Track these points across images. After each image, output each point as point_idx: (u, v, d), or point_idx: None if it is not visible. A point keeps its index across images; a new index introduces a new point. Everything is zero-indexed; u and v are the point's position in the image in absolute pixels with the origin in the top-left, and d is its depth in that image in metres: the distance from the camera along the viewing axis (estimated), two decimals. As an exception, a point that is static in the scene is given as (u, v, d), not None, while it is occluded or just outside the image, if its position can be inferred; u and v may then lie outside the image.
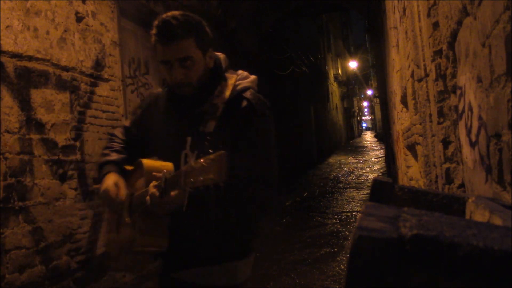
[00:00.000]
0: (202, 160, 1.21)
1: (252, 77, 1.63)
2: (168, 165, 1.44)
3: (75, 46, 4.19)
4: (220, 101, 1.53)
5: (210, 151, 1.23)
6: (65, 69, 4.03)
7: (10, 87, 3.42)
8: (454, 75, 1.64)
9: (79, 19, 4.28)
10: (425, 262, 0.44)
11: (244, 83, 1.58)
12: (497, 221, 0.61)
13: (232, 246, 1.53)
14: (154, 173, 1.40)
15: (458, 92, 1.53)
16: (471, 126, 1.30)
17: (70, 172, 3.97)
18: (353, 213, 7.98)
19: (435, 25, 1.93)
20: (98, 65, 4.54)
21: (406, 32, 3.21)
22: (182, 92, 1.54)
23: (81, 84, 4.23)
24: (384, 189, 0.84)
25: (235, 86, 1.57)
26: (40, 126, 3.67)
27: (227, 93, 1.55)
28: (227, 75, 1.61)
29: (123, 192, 1.53)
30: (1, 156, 3.28)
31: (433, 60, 2.01)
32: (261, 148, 1.50)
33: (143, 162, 1.51)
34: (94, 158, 4.33)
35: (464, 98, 1.39)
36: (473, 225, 0.49)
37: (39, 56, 3.72)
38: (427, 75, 2.31)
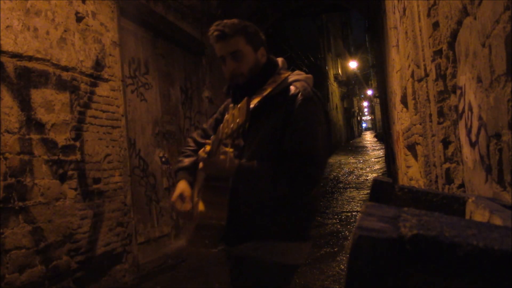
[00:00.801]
0: (232, 112, 1.41)
1: (309, 75, 1.79)
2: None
3: (75, 46, 4.19)
4: (270, 86, 1.69)
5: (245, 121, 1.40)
6: (65, 69, 4.03)
7: (10, 87, 3.42)
8: (454, 75, 1.64)
9: (79, 19, 4.28)
10: (425, 262, 0.44)
11: (296, 77, 1.73)
12: (497, 221, 0.61)
13: (283, 226, 1.63)
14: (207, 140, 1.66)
15: (458, 92, 1.53)
16: (471, 126, 1.30)
17: (70, 172, 3.97)
18: (353, 213, 7.98)
19: (435, 25, 1.93)
20: (98, 65, 4.54)
21: (406, 32, 3.21)
22: (236, 82, 1.74)
23: (81, 84, 4.23)
24: (384, 189, 0.84)
25: (287, 78, 1.72)
26: (40, 126, 3.67)
27: (278, 82, 1.70)
28: (282, 71, 1.77)
29: (187, 203, 1.74)
30: (1, 156, 3.28)
31: (433, 60, 2.01)
32: (308, 128, 1.61)
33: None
34: (94, 158, 4.33)
35: (464, 98, 1.39)
36: (473, 225, 0.49)
37: (39, 56, 3.72)
38: (427, 75, 2.31)
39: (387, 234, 0.45)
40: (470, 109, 1.29)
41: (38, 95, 3.68)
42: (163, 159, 6.06)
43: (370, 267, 0.44)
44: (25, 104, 3.54)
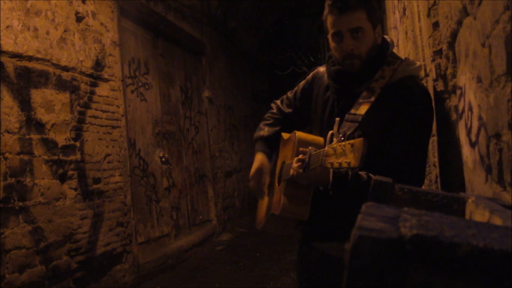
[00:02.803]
0: (342, 144, 1.27)
1: (417, 64, 1.59)
2: (319, 140, 1.55)
3: (75, 46, 4.19)
4: (378, 85, 1.51)
5: (357, 134, 1.31)
6: (65, 69, 4.03)
7: (10, 87, 3.42)
8: (454, 75, 1.64)
9: (79, 19, 4.28)
10: (425, 262, 0.44)
11: (406, 70, 1.54)
12: (497, 221, 0.61)
13: None
14: (301, 148, 1.48)
15: (458, 92, 1.53)
16: (471, 126, 1.30)
17: (70, 172, 3.97)
18: (353, 213, 7.97)
19: (435, 25, 1.93)
20: (98, 65, 4.54)
21: (406, 32, 3.21)
22: (350, 66, 1.53)
23: (81, 84, 4.23)
24: (384, 189, 0.84)
25: (396, 72, 1.52)
26: (40, 126, 3.67)
27: (387, 78, 1.51)
28: (391, 59, 1.57)
29: (265, 178, 1.68)
30: (1, 156, 3.28)
31: (433, 60, 2.01)
32: (416, 141, 1.46)
33: (296, 134, 1.62)
34: (94, 158, 4.33)
35: (464, 98, 1.39)
36: (473, 225, 0.49)
37: (39, 56, 3.72)
38: (427, 75, 2.31)
39: (387, 234, 0.45)
40: (470, 109, 1.29)
41: (38, 95, 3.68)
42: (163, 159, 6.06)
43: (370, 267, 0.44)
44: (25, 104, 3.54)
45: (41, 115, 3.70)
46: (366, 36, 1.49)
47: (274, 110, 1.88)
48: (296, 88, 1.84)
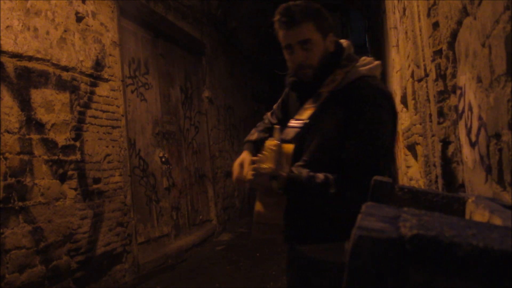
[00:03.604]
0: (269, 149, 1.41)
1: (374, 63, 1.62)
2: (288, 147, 1.60)
3: (75, 46, 4.19)
4: (327, 89, 1.57)
5: (295, 139, 1.43)
6: (65, 69, 4.03)
7: (10, 87, 3.42)
8: (454, 75, 1.64)
9: (79, 19, 4.28)
10: (425, 262, 0.44)
11: (357, 72, 1.57)
12: (497, 221, 0.61)
13: (340, 228, 1.61)
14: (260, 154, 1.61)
15: (458, 92, 1.53)
16: (471, 126, 1.30)
17: (70, 172, 3.97)
18: (353, 213, 7.97)
19: (435, 25, 1.93)
20: (98, 65, 4.54)
21: (406, 32, 3.21)
22: (304, 76, 1.61)
23: (81, 84, 4.23)
24: (384, 189, 0.84)
25: (349, 74, 1.57)
26: (40, 126, 3.67)
27: (338, 81, 1.57)
28: (346, 62, 1.61)
29: (246, 170, 1.71)
30: (1, 156, 3.28)
31: (433, 60, 2.01)
32: (369, 137, 1.49)
33: (265, 142, 1.70)
34: (94, 158, 4.33)
35: (464, 98, 1.39)
36: (473, 225, 0.49)
37: (39, 56, 3.72)
38: (427, 75, 2.31)
39: (387, 234, 0.45)
40: (470, 109, 1.29)
41: (38, 95, 3.68)
42: (163, 159, 6.06)
43: (370, 267, 0.44)
44: (25, 104, 3.54)
45: (41, 115, 3.69)
46: (315, 46, 1.57)
47: (266, 121, 1.97)
48: (279, 100, 1.93)
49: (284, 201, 1.58)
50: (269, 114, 1.98)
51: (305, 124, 1.56)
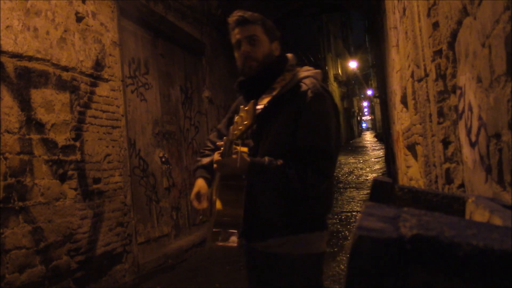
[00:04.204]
0: (240, 114, 1.52)
1: (317, 70, 1.83)
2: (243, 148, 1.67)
3: (75, 46, 4.19)
4: (279, 85, 1.74)
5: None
6: (65, 69, 4.03)
7: (10, 87, 3.42)
8: (454, 75, 1.64)
9: (79, 19, 4.28)
10: (425, 262, 0.44)
11: (305, 73, 1.77)
12: (497, 221, 0.61)
13: (302, 219, 1.69)
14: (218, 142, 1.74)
15: (458, 92, 1.53)
16: (471, 126, 1.30)
17: (70, 172, 3.97)
18: (353, 213, 7.98)
19: (435, 25, 1.93)
20: (98, 65, 4.54)
21: (406, 32, 3.21)
22: (249, 69, 1.77)
23: (81, 84, 4.23)
24: (384, 189, 0.84)
25: (296, 75, 1.76)
26: (40, 126, 3.67)
27: (287, 80, 1.75)
28: (291, 68, 1.82)
29: (204, 201, 1.86)
30: (1, 156, 3.28)
31: (433, 60, 2.01)
32: (319, 124, 1.66)
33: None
34: (94, 158, 4.33)
35: (464, 98, 1.39)
36: (473, 225, 0.49)
37: (39, 56, 3.72)
38: (427, 75, 2.31)
39: (387, 234, 0.45)
40: (470, 109, 1.29)
41: (38, 95, 3.68)
42: (163, 159, 6.06)
43: (370, 267, 0.44)
44: (25, 104, 3.54)
45: (41, 115, 3.70)
46: (261, 43, 1.77)
47: (209, 144, 2.06)
48: (223, 119, 2.08)
49: (243, 197, 1.64)
50: (211, 136, 2.10)
51: (264, 107, 1.69)
